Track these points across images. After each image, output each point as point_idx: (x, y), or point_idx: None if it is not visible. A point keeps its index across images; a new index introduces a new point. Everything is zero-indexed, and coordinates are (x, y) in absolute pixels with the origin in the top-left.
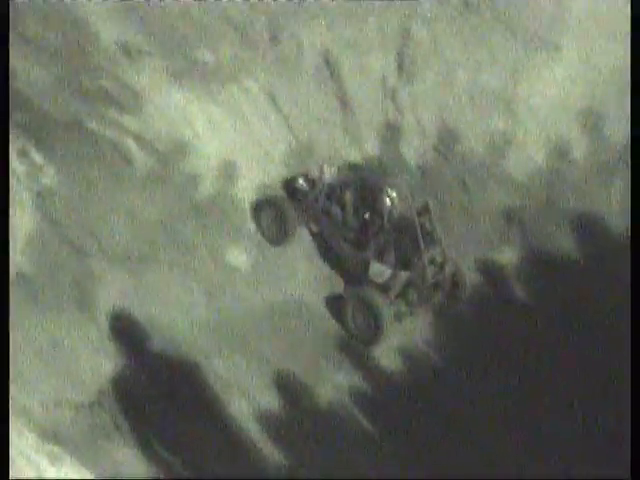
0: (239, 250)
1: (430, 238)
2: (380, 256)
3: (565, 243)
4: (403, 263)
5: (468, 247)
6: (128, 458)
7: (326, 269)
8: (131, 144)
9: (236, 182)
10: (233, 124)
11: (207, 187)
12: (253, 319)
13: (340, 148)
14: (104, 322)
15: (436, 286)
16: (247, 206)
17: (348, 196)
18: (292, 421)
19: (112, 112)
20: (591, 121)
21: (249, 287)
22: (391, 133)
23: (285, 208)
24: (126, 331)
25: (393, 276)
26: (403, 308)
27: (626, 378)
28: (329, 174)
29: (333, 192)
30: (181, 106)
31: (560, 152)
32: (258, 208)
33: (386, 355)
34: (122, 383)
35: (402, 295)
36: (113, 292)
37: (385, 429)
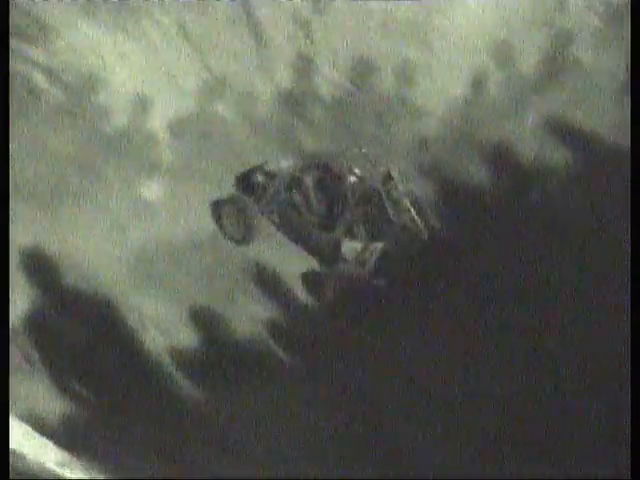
0: (153, 184)
1: (398, 205)
2: (349, 233)
3: (479, 175)
4: (374, 235)
5: None
6: (42, 394)
7: None
8: (40, 78)
9: (149, 116)
10: (145, 57)
11: (119, 121)
12: (168, 253)
13: (254, 81)
14: (16, 258)
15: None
16: (161, 140)
17: (308, 181)
18: (208, 355)
19: (20, 45)
20: (504, 52)
21: (164, 221)
22: (304, 65)
23: (246, 205)
24: (39, 267)
25: (364, 249)
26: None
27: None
28: (286, 164)
29: (293, 181)
30: (92, 39)
31: (474, 83)
32: (218, 208)
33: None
34: (35, 319)
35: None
36: (25, 228)
37: (303, 362)
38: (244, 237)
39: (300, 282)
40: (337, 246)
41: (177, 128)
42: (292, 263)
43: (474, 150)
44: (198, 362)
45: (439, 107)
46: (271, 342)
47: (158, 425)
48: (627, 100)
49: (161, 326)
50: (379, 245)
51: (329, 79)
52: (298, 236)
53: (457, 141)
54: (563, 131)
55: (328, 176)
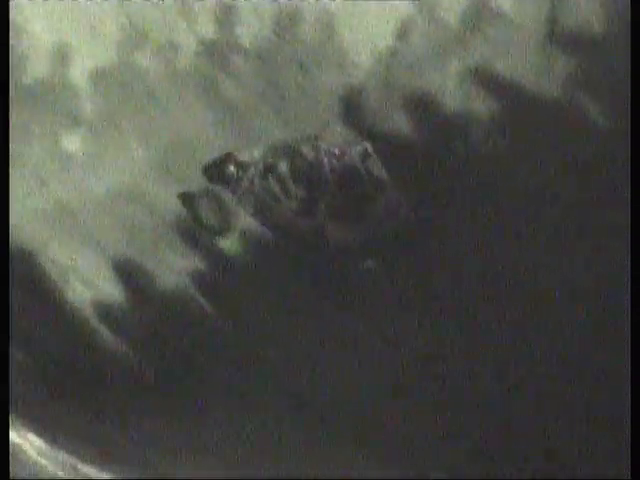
0: (74, 136)
1: (380, 182)
2: (333, 216)
3: (402, 123)
4: (359, 216)
5: (305, 127)
6: None
7: (162, 154)
8: None
9: (69, 67)
10: (64, 6)
11: (37, 70)
12: (90, 206)
13: (175, 32)
14: None
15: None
16: (82, 91)
17: (283, 167)
18: (132, 307)
19: None
20: (429, 3)
21: (85, 174)
22: (226, 16)
23: (221, 197)
24: None
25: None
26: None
27: None
28: (258, 154)
29: (267, 169)
30: None
31: (399, 34)
32: (192, 201)
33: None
34: None
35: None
36: None
37: (225, 311)
38: (222, 228)
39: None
40: (321, 231)
41: (98, 79)
42: None
43: (399, 100)
44: (122, 313)
45: (364, 58)
46: (195, 293)
47: (82, 377)
48: (550, 49)
49: (84, 278)
50: (364, 226)
51: (251, 30)
52: (277, 224)
53: (382, 92)
54: (487, 81)
55: (303, 160)
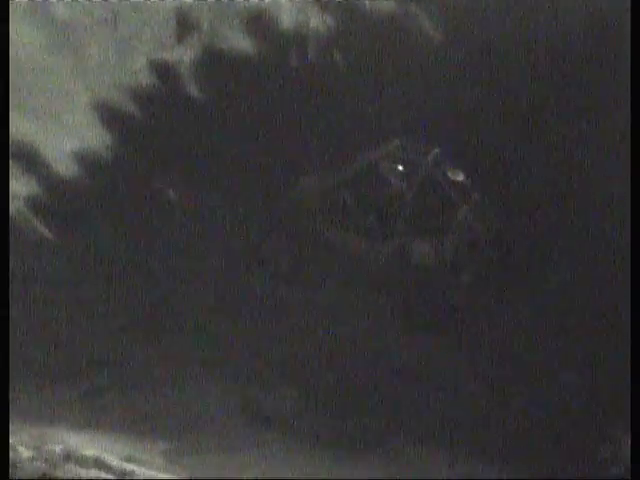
0: None
1: (462, 187)
2: (415, 233)
3: (239, 42)
4: (442, 227)
5: (141, 48)
6: None
7: None
8: None
9: None
10: None
11: None
12: None
13: None
14: None
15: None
16: None
17: (347, 197)
18: None
19: None
20: None
21: None
22: None
23: None
24: None
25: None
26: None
27: None
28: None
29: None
30: None
31: None
32: None
33: (61, 161)
34: None
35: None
36: None
37: (67, 234)
38: None
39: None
40: (402, 251)
41: None
42: (54, 138)
43: (234, 18)
44: None
45: None
46: (31, 217)
47: None
48: None
49: None
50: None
51: None
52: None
53: (215, 9)
54: None
55: (367, 187)
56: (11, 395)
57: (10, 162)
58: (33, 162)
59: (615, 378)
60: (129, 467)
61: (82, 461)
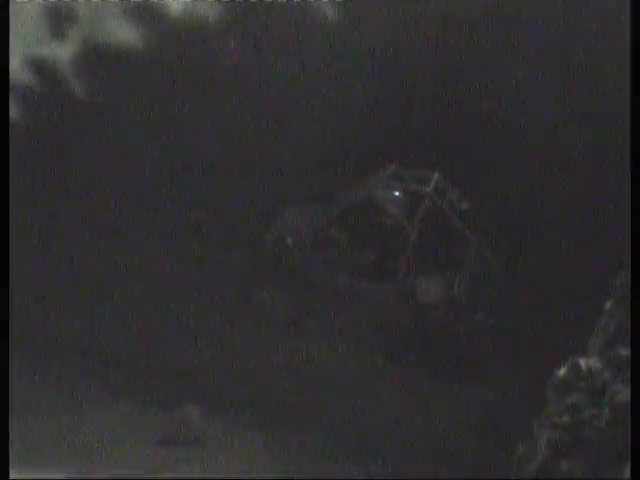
0: None
1: (467, 214)
2: (419, 269)
3: (123, 34)
4: (451, 261)
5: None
6: None
7: None
8: None
9: None
10: None
11: None
12: None
13: None
14: None
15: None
16: None
17: (340, 234)
18: None
19: None
20: None
21: None
22: None
23: None
24: None
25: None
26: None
27: None
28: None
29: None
30: None
31: None
32: None
33: None
34: None
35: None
36: None
37: None
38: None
39: None
40: (411, 291)
41: None
42: None
43: (118, 9)
44: None
45: None
46: None
47: None
48: None
49: None
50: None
51: None
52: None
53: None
54: None
55: (363, 221)
56: None
57: None
58: None
59: None
60: None
61: None
